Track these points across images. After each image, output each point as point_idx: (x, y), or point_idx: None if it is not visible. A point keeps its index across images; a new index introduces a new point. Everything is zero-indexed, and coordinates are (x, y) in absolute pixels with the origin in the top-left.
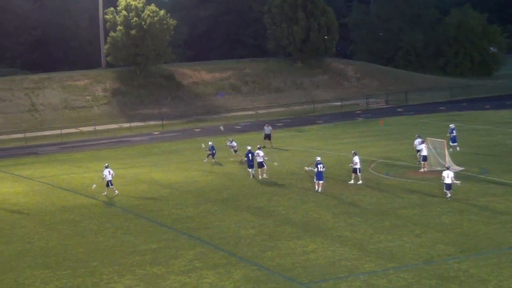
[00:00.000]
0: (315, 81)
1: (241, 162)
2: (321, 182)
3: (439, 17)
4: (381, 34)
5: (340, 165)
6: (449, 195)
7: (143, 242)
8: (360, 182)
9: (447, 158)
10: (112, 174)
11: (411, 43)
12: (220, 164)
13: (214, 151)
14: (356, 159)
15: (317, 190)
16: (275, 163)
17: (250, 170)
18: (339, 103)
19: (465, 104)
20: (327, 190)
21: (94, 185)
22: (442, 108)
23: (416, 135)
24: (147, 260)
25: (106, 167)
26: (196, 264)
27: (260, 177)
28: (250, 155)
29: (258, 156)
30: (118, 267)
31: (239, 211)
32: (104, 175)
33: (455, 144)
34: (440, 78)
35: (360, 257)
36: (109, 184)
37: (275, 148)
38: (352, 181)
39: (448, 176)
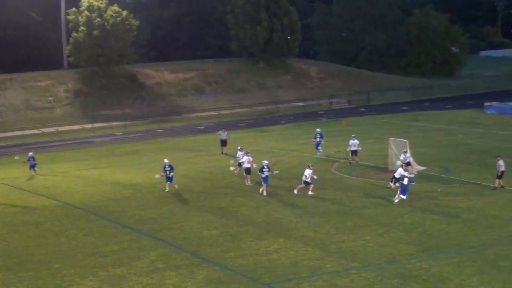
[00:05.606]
0: (278, 81)
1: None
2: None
3: (401, 17)
4: (343, 34)
5: (303, 166)
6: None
7: (105, 244)
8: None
9: (410, 158)
10: None
11: (373, 43)
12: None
13: (34, 162)
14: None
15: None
16: (231, 168)
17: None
18: (302, 104)
19: (427, 104)
20: (290, 190)
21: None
22: (405, 108)
23: (352, 135)
24: (109, 262)
25: None
26: (159, 265)
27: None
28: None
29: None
30: (80, 269)
31: (202, 211)
32: None
33: (319, 148)
34: (402, 78)
35: (322, 257)
36: None
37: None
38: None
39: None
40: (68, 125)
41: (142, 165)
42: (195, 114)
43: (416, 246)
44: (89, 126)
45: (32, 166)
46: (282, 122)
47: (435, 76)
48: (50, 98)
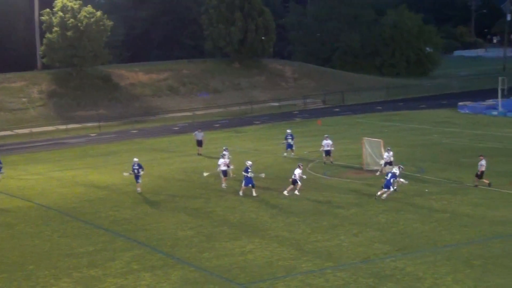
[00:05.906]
0: (253, 81)
1: None
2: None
3: (375, 17)
4: (318, 34)
5: (278, 165)
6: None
7: (80, 245)
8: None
9: (392, 158)
10: None
11: (347, 43)
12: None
13: (0, 165)
14: (297, 170)
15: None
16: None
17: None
18: (276, 104)
19: (401, 103)
20: (265, 190)
21: None
22: (379, 108)
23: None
24: (84, 263)
25: None
26: (133, 266)
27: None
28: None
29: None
30: (55, 270)
31: (176, 212)
32: None
33: (290, 149)
34: (376, 78)
35: (297, 256)
36: None
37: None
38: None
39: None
40: (42, 126)
41: (117, 166)
42: (169, 115)
43: (390, 246)
44: (63, 127)
45: None
46: (257, 122)
47: (410, 76)
48: (23, 99)
